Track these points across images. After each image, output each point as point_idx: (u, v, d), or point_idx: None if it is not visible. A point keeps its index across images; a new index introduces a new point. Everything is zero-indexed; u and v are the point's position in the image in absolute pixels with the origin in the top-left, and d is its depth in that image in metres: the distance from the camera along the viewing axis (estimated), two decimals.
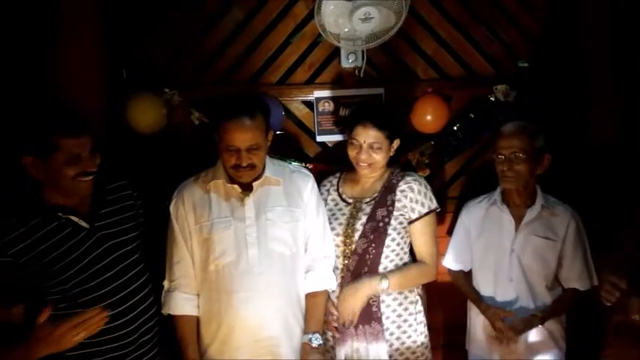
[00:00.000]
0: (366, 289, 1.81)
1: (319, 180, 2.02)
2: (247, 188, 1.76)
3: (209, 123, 2.23)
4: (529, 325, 1.88)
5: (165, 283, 1.81)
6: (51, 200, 1.57)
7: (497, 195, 2.02)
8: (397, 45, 2.41)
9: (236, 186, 1.75)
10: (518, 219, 1.95)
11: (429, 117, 2.32)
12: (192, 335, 1.77)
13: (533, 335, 1.92)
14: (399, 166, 2.13)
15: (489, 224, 2.00)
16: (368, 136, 1.84)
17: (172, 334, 1.79)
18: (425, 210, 1.87)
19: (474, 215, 2.05)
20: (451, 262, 2.11)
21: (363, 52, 2.30)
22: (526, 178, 1.90)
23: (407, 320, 1.88)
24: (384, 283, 1.81)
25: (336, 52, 2.35)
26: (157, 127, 2.18)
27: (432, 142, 2.44)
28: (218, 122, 1.69)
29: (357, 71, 2.36)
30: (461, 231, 2.09)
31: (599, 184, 2.27)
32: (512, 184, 1.91)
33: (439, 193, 2.51)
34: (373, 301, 1.84)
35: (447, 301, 2.34)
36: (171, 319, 1.79)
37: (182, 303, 1.77)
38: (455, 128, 2.46)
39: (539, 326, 1.90)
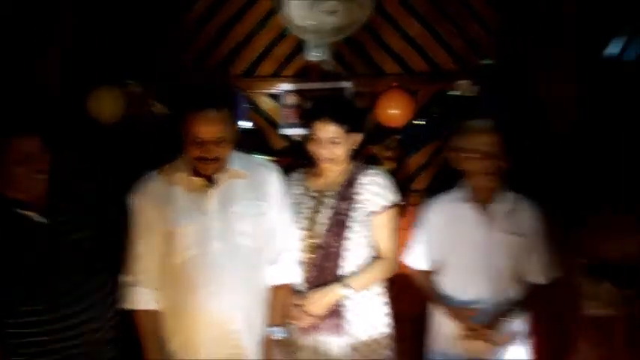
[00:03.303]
0: (329, 297, 1.83)
1: (285, 173, 2.01)
2: (212, 181, 1.74)
3: (174, 114, 2.20)
4: (497, 320, 1.91)
5: (126, 278, 1.77)
6: (8, 196, 1.54)
7: (462, 191, 2.02)
8: (363, 39, 2.42)
9: (200, 179, 1.73)
10: (484, 215, 1.97)
11: (394, 111, 2.35)
12: (153, 330, 1.75)
13: (501, 329, 1.92)
14: (364, 159, 2.15)
15: (455, 222, 2.01)
16: (327, 131, 1.84)
17: (133, 330, 1.77)
18: (387, 203, 1.88)
19: (440, 212, 2.04)
20: (414, 261, 2.10)
21: (329, 45, 2.30)
22: (495, 174, 1.92)
23: (372, 312, 1.90)
24: (346, 290, 1.83)
25: (302, 45, 2.35)
26: (114, 118, 2.13)
27: (397, 136, 2.48)
28: (184, 114, 1.67)
29: (323, 65, 2.36)
30: (426, 229, 2.08)
31: (557, 177, 2.34)
32: (486, 180, 1.93)
33: (404, 186, 2.56)
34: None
35: (413, 291, 2.37)
36: (132, 314, 1.76)
37: (143, 297, 1.75)
38: (420, 122, 2.50)
39: (507, 321, 1.92)
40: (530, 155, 2.36)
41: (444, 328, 2.03)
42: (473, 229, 1.96)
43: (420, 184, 2.58)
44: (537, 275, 1.96)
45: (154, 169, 1.80)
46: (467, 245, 1.96)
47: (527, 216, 1.95)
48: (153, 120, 2.24)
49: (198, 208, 1.72)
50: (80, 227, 1.64)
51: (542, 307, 2.06)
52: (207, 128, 1.63)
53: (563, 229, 1.97)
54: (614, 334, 1.60)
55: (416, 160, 2.56)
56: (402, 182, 2.55)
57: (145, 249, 1.75)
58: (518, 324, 1.99)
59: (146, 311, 1.74)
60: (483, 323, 1.89)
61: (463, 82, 2.42)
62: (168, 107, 2.22)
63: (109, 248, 1.77)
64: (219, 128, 1.64)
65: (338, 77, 2.38)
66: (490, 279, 1.94)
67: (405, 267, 2.49)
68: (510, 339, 1.97)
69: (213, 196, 1.73)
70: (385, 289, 1.96)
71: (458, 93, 2.45)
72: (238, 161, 1.79)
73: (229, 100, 1.70)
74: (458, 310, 1.95)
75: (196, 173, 1.73)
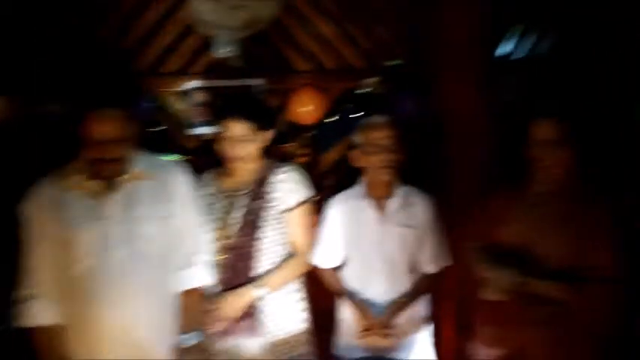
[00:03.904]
0: (244, 299, 1.79)
1: (195, 174, 1.95)
2: (112, 184, 1.64)
3: (70, 114, 2.04)
4: (394, 313, 1.96)
5: (21, 292, 1.63)
6: None
7: (360, 188, 2.06)
8: (274, 37, 2.41)
9: (100, 182, 1.63)
10: (381, 210, 2.01)
11: (306, 109, 2.36)
12: (54, 346, 1.62)
13: (402, 319, 1.98)
14: (277, 156, 2.13)
15: (355, 218, 2.04)
16: (236, 129, 1.80)
17: (29, 348, 1.63)
18: (300, 199, 1.88)
19: (340, 210, 2.06)
20: (320, 259, 2.10)
21: (238, 42, 2.26)
22: (391, 168, 1.97)
23: (289, 310, 1.89)
24: (261, 291, 1.80)
25: (210, 41, 2.29)
26: None
27: (310, 134, 2.49)
28: (79, 113, 1.56)
29: (232, 62, 2.31)
30: (328, 228, 2.09)
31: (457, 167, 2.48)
32: (383, 174, 1.97)
33: (317, 182, 2.58)
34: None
35: (320, 287, 2.39)
36: (29, 331, 1.62)
37: (41, 312, 1.61)
38: (332, 119, 2.53)
39: (405, 311, 1.98)
40: (430, 149, 2.47)
41: (349, 323, 2.07)
42: (370, 224, 2.00)
43: (333, 180, 2.61)
44: (428, 264, 2.04)
45: (46, 174, 1.66)
46: (365, 240, 2.00)
47: (420, 208, 2.02)
48: (47, 122, 2.06)
49: (97, 214, 1.61)
50: None
51: (440, 295, 2.17)
52: (104, 127, 1.54)
53: (462, 217, 2.08)
54: (508, 315, 1.72)
55: (329, 156, 2.59)
56: (316, 179, 2.58)
57: (41, 260, 1.62)
58: (416, 313, 2.06)
59: (45, 327, 1.62)
60: (382, 317, 1.95)
61: (372, 80, 2.48)
62: (64, 106, 2.06)
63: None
64: (117, 127, 1.55)
65: (248, 74, 2.34)
66: (388, 272, 1.99)
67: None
68: (410, 329, 2.05)
69: (114, 200, 1.63)
70: (301, 285, 1.96)
71: (367, 91, 2.51)
72: (142, 162, 1.70)
73: (129, 97, 1.60)
74: (359, 305, 1.99)
75: (95, 176, 1.62)
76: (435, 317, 2.18)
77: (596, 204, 1.64)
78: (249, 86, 2.31)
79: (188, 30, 2.27)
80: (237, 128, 1.80)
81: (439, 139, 2.56)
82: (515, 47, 2.49)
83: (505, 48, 2.51)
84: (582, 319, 1.59)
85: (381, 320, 1.95)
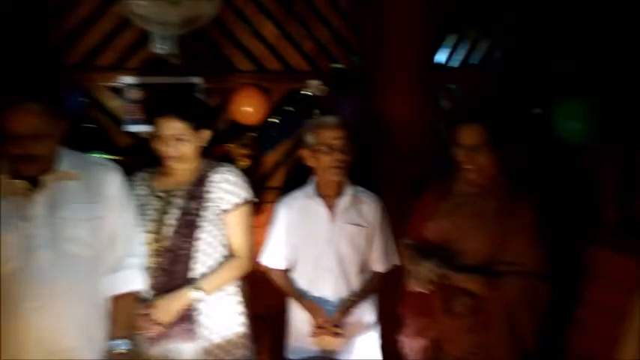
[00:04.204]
0: (179, 302, 1.74)
1: (129, 173, 1.87)
2: (36, 184, 1.54)
3: None
4: (344, 311, 1.98)
5: None
6: None
7: (310, 187, 2.07)
8: (215, 35, 2.36)
9: (22, 181, 1.53)
10: (331, 209, 2.03)
11: (248, 108, 2.33)
12: None
13: (350, 318, 2.01)
14: (217, 157, 2.09)
15: (306, 217, 2.05)
16: (172, 128, 1.75)
17: None
18: (239, 201, 1.85)
19: (290, 210, 2.07)
20: (270, 260, 2.11)
21: (176, 38, 2.19)
22: (341, 168, 2.00)
23: (225, 313, 1.85)
24: (198, 294, 1.76)
25: (148, 36, 2.20)
26: None
27: (252, 134, 2.46)
28: None
29: (170, 58, 2.24)
30: (279, 228, 2.09)
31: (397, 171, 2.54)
32: (333, 174, 1.99)
33: (260, 184, 2.55)
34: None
35: (271, 287, 2.37)
36: None
37: None
38: (274, 120, 2.51)
39: (354, 310, 2.01)
40: (368, 151, 2.52)
41: (299, 324, 2.07)
42: (320, 223, 2.02)
43: (276, 181, 2.59)
44: (378, 263, 2.09)
45: None
46: (315, 239, 2.02)
47: (369, 207, 2.06)
48: None
49: (20, 215, 1.51)
50: None
51: (385, 293, 2.21)
52: (21, 123, 1.44)
53: (396, 217, 2.14)
54: (434, 306, 1.79)
55: (271, 157, 2.57)
56: (259, 180, 2.55)
57: None
58: (365, 312, 2.10)
59: None
60: (332, 317, 1.96)
61: (314, 82, 2.49)
62: None
63: None
64: (38, 122, 1.46)
65: (186, 72, 2.27)
66: (338, 271, 2.02)
67: (260, 263, 2.50)
68: (359, 329, 2.08)
69: (39, 200, 1.53)
70: (239, 288, 1.92)
71: (309, 93, 2.51)
72: (70, 161, 1.61)
73: (53, 91, 1.52)
74: (311, 305, 2.00)
75: (17, 175, 1.52)
76: (382, 317, 2.23)
77: (517, 203, 1.74)
78: (188, 84, 2.25)
79: (124, 24, 2.18)
80: (172, 127, 1.75)
81: (378, 141, 2.61)
82: (452, 54, 2.59)
83: (443, 54, 2.60)
84: (498, 312, 1.67)
85: (332, 319, 1.95)
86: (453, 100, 2.55)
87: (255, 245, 2.47)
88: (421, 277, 1.72)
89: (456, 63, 2.55)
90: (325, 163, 1.98)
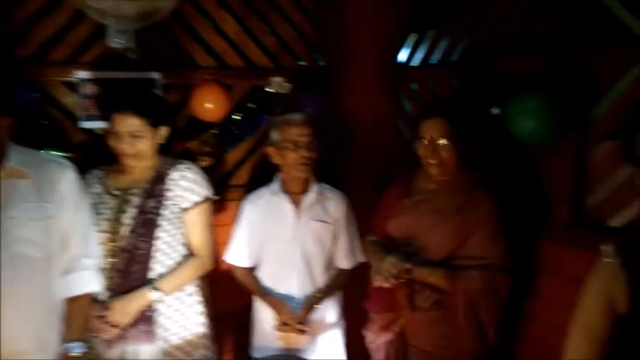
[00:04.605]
0: (137, 303, 1.71)
1: (83, 171, 1.81)
2: None
3: None
4: (309, 308, 1.98)
5: None
6: None
7: (276, 184, 2.07)
8: (175, 30, 2.31)
9: None
10: (296, 205, 2.03)
11: (209, 105, 2.29)
12: None
13: (315, 315, 2.01)
14: (177, 154, 2.05)
15: (271, 214, 2.04)
16: (127, 124, 1.71)
17: None
18: (198, 199, 1.82)
19: (256, 207, 2.06)
20: (234, 258, 2.09)
21: (133, 32, 2.13)
22: (307, 165, 1.99)
23: (184, 313, 1.83)
24: (156, 295, 1.72)
25: (104, 30, 2.13)
26: None
27: (214, 131, 2.43)
28: None
29: (127, 52, 2.17)
30: (243, 226, 2.08)
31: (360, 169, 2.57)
32: (299, 171, 1.98)
33: (222, 181, 2.52)
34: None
35: (233, 285, 2.35)
36: None
37: None
38: (236, 117, 2.48)
39: (318, 307, 2.01)
40: (332, 148, 2.52)
41: (264, 322, 2.06)
42: (286, 220, 2.02)
43: (239, 179, 2.56)
44: (343, 260, 2.10)
45: None
46: (281, 235, 2.01)
47: (335, 204, 2.07)
48: None
49: None
50: None
51: (351, 290, 2.23)
52: None
53: (361, 214, 2.15)
54: (399, 301, 1.81)
55: (234, 154, 2.54)
56: (221, 178, 2.52)
57: None
58: (330, 309, 2.11)
59: None
60: (297, 314, 1.96)
61: (277, 79, 2.47)
62: None
63: None
64: None
65: (144, 67, 2.21)
66: (304, 268, 2.02)
67: (224, 262, 2.47)
68: (324, 326, 2.08)
69: None
70: (198, 288, 1.89)
71: (272, 90, 2.49)
72: (19, 158, 1.55)
73: (1, 85, 1.45)
74: (275, 302, 1.99)
75: None
76: (347, 314, 2.24)
77: (478, 199, 1.78)
78: (146, 79, 2.19)
79: (79, 16, 2.10)
80: (128, 123, 1.71)
81: (342, 138, 2.62)
82: (413, 53, 2.62)
83: (405, 53, 2.63)
84: (461, 305, 1.71)
85: (296, 316, 1.95)
86: (413, 99, 2.59)
87: (219, 244, 2.46)
88: (384, 273, 1.73)
89: (416, 62, 2.58)
90: (291, 160, 1.97)
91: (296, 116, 2.04)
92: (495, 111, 1.98)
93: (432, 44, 2.45)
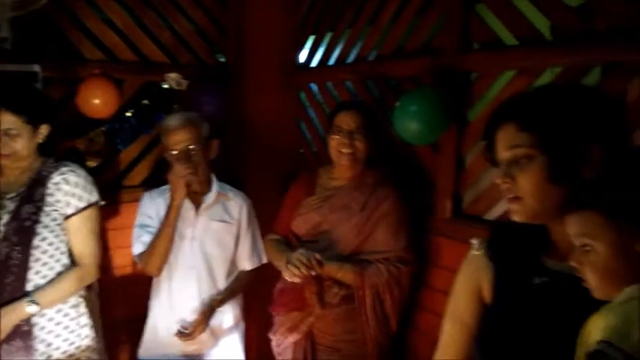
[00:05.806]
0: (11, 317, 1.57)
1: None
2: None
3: None
4: (210, 311, 1.94)
5: None
6: None
7: None
8: (58, 20, 2.15)
9: None
10: (197, 205, 1.98)
11: (96, 100, 2.15)
12: None
13: (214, 319, 1.97)
14: (63, 155, 1.91)
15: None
16: (1, 122, 1.57)
17: None
18: (82, 204, 1.71)
19: (154, 205, 1.98)
20: (141, 250, 1.96)
21: (9, 21, 1.94)
22: (202, 167, 1.94)
23: (68, 326, 1.71)
24: (32, 308, 1.60)
25: None
26: None
27: (103, 129, 2.29)
28: None
29: (1, 43, 1.98)
30: (144, 216, 1.98)
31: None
32: (195, 182, 1.91)
33: (114, 182, 2.39)
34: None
35: (130, 293, 2.25)
36: None
37: None
38: (128, 114, 2.36)
39: (219, 309, 1.98)
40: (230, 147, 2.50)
41: (159, 330, 1.99)
42: (185, 220, 1.96)
43: (133, 179, 2.45)
44: (245, 261, 2.09)
45: None
46: (180, 237, 1.95)
47: (236, 205, 2.05)
48: None
49: None
50: None
51: (253, 292, 2.23)
52: None
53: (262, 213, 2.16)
54: (307, 299, 1.84)
55: (128, 154, 2.41)
56: (113, 179, 2.38)
57: None
58: (230, 312, 2.08)
59: None
60: (197, 315, 1.92)
61: (173, 75, 2.38)
62: None
63: None
64: None
65: (22, 59, 2.02)
66: (203, 270, 1.97)
67: (122, 268, 2.36)
68: (223, 329, 2.06)
69: None
70: (82, 298, 1.78)
71: (167, 86, 2.41)
72: None
73: None
74: (175, 303, 1.94)
75: None
76: (250, 317, 2.22)
77: (381, 195, 1.86)
78: (23, 73, 2.00)
79: None
80: (2, 121, 1.56)
81: (242, 137, 2.61)
82: (310, 57, 2.67)
83: (304, 54, 2.68)
84: (367, 298, 1.78)
85: (196, 319, 1.90)
86: (313, 99, 2.64)
87: (111, 249, 2.33)
88: (295, 261, 1.70)
89: (315, 63, 2.64)
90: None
91: (174, 121, 1.91)
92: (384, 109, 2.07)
93: (329, 47, 2.51)
